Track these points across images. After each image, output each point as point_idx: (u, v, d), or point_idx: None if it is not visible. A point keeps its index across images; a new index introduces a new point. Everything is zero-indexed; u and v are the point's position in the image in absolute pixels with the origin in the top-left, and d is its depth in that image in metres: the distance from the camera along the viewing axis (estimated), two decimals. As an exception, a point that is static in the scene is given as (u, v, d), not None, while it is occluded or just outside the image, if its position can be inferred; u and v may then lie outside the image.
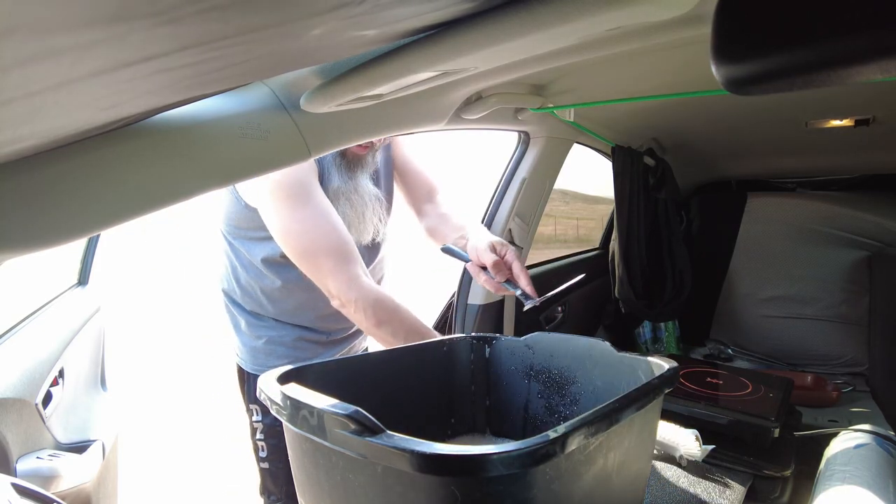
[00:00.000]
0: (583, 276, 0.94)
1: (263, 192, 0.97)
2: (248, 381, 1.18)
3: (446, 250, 0.99)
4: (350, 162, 1.05)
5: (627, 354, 0.78)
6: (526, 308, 0.89)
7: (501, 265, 0.92)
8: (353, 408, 0.50)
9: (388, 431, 0.49)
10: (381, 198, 1.12)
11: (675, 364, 0.70)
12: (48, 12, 0.21)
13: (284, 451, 1.15)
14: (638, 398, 0.60)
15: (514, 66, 0.72)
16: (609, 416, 0.55)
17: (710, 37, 0.33)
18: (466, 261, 0.97)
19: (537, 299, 0.89)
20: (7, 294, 1.21)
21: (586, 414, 0.53)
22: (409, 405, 0.83)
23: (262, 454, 1.17)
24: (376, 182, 1.14)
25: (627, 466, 0.64)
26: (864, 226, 1.81)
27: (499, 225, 1.46)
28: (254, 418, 1.16)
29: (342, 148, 0.77)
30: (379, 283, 1.23)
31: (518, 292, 0.91)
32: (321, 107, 0.60)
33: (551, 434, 0.48)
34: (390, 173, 1.21)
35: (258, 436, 1.16)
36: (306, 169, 0.97)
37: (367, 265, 1.14)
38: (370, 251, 1.16)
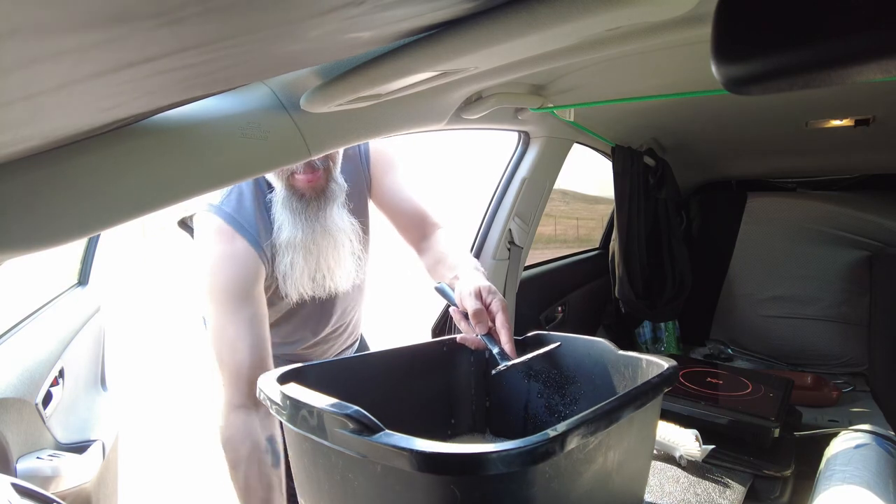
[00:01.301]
0: (559, 343, 0.89)
1: (202, 283, 0.92)
2: None
3: (438, 290, 0.93)
4: (309, 201, 0.94)
5: (627, 353, 0.78)
6: (494, 372, 0.79)
7: (483, 314, 0.82)
8: (352, 407, 0.50)
9: (388, 430, 0.49)
10: (359, 231, 1.01)
11: (674, 363, 0.70)
12: (49, 14, 0.21)
13: None
14: (637, 397, 0.60)
15: (514, 66, 0.72)
16: (608, 415, 0.55)
17: (710, 37, 0.33)
18: (454, 304, 0.90)
19: (513, 361, 0.79)
20: (7, 294, 1.21)
21: (586, 412, 0.53)
22: (409, 406, 0.83)
23: None
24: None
25: (627, 465, 0.65)
26: (864, 226, 1.81)
27: (499, 225, 1.46)
28: None
29: (340, 147, 0.77)
30: (348, 324, 1.18)
31: (495, 350, 0.80)
32: (321, 107, 0.60)
33: (550, 432, 0.48)
34: (364, 198, 1.09)
35: None
36: (248, 272, 0.92)
37: (327, 319, 1.10)
38: (325, 302, 1.07)
